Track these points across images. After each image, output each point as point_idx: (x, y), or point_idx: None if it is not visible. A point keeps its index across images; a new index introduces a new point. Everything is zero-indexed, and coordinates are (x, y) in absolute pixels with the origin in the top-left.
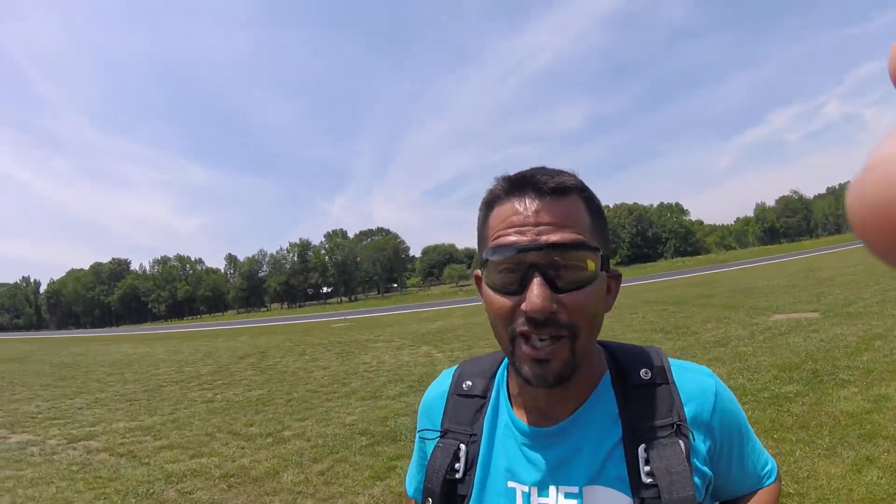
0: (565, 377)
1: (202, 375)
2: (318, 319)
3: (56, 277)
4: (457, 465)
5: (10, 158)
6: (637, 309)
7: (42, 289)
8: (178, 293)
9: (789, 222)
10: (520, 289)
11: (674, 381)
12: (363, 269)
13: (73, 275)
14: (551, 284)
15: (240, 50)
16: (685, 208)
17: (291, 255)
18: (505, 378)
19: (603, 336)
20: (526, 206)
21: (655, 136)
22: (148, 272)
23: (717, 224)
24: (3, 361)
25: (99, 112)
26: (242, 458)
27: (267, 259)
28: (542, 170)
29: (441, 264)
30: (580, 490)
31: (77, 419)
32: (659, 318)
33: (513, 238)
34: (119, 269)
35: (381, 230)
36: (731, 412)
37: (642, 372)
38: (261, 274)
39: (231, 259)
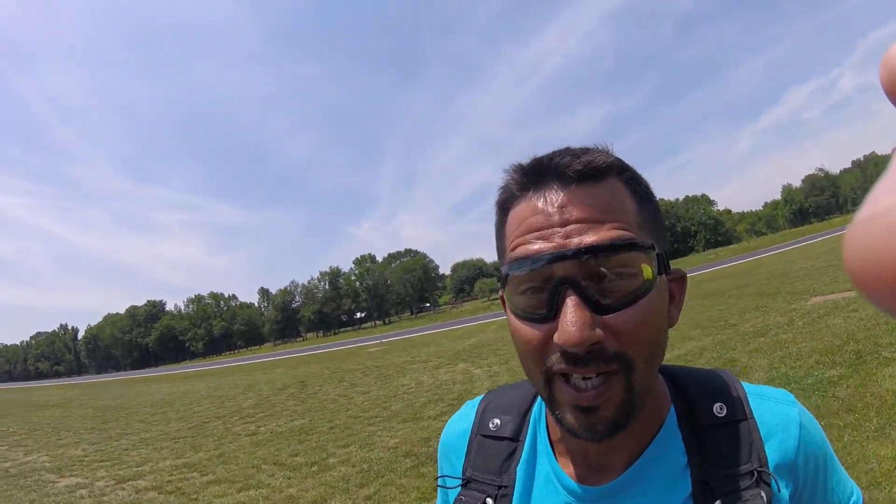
0: (621, 425)
1: (244, 409)
2: (353, 345)
3: (93, 323)
4: None
5: (40, 211)
6: None
7: (80, 335)
8: (214, 330)
9: (818, 201)
10: (550, 313)
11: (753, 416)
12: (394, 291)
13: (110, 319)
14: (592, 304)
15: (259, 86)
16: (712, 199)
17: (323, 283)
18: (543, 416)
19: None
20: (548, 202)
21: (674, 130)
22: (183, 311)
23: (746, 211)
24: (46, 408)
25: (125, 160)
26: (290, 487)
27: (299, 290)
28: (567, 150)
29: (471, 279)
30: None
31: (123, 460)
32: (695, 314)
33: (535, 246)
34: (154, 310)
35: (409, 251)
36: (817, 445)
37: (716, 408)
38: (294, 305)
39: (264, 292)
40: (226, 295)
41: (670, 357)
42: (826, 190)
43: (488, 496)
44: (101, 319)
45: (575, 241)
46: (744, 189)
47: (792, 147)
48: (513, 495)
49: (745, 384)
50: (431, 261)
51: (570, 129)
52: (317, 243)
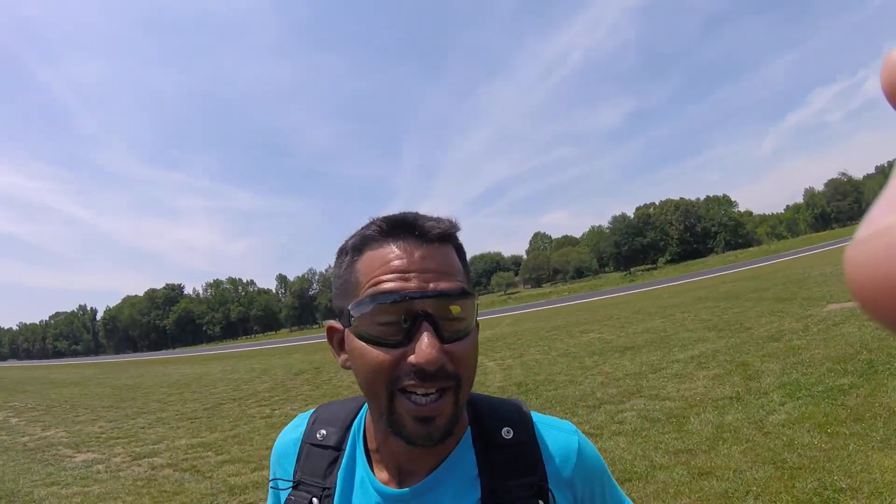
0: (450, 432)
1: (259, 392)
2: None
3: (112, 304)
4: None
5: (62, 195)
6: (689, 307)
7: (99, 316)
8: (231, 314)
9: (840, 206)
10: (405, 339)
11: (536, 440)
12: None
13: (129, 301)
14: (439, 335)
15: (280, 76)
16: (733, 200)
17: None
18: (362, 430)
19: (657, 331)
20: (409, 252)
21: (697, 129)
22: (201, 296)
23: (767, 213)
24: (64, 385)
25: (147, 147)
26: None
27: (317, 277)
28: (422, 216)
29: (488, 273)
30: None
31: (140, 437)
32: (711, 316)
33: (396, 284)
34: (173, 293)
35: None
36: (594, 468)
37: (504, 430)
38: (311, 292)
39: (282, 279)
40: (244, 280)
41: (684, 357)
42: (849, 195)
43: (314, 496)
44: (119, 301)
45: (432, 285)
46: (765, 190)
47: (815, 150)
48: (334, 496)
49: (534, 413)
50: None
51: (592, 125)
52: (335, 232)
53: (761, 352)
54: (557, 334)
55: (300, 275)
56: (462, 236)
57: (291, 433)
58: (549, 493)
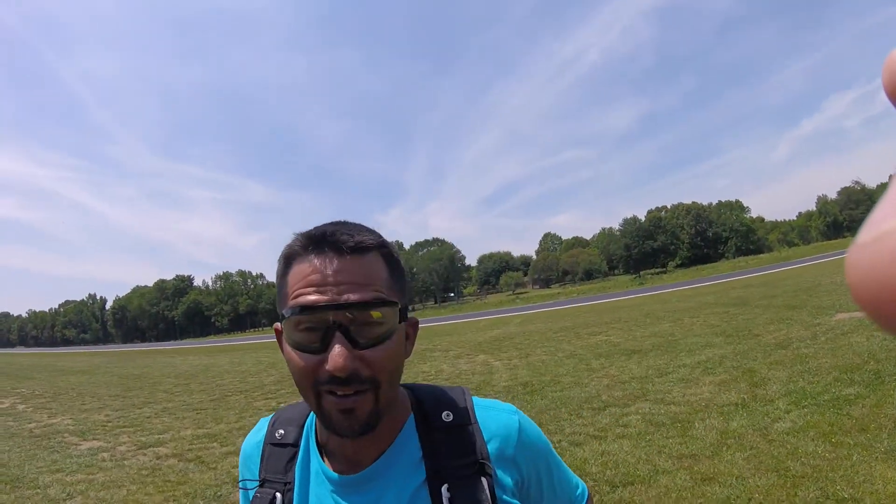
0: (371, 426)
1: (266, 385)
2: None
3: (121, 294)
4: None
5: (75, 185)
6: (697, 312)
7: (108, 305)
8: (240, 307)
9: (853, 214)
10: (322, 347)
11: (476, 421)
12: (419, 279)
13: (138, 291)
14: (352, 342)
15: (293, 72)
16: (745, 205)
17: None
18: (314, 425)
19: (665, 335)
20: (325, 265)
21: (711, 133)
22: (210, 287)
23: (778, 220)
24: (72, 373)
25: (160, 138)
26: None
27: None
28: (343, 226)
29: (497, 272)
30: None
31: (146, 427)
32: (720, 321)
33: (313, 297)
34: (182, 285)
35: (436, 240)
36: (536, 445)
37: (444, 414)
38: None
39: None
40: (253, 273)
41: (690, 362)
42: (862, 204)
43: (277, 491)
44: (129, 291)
45: (343, 297)
46: (778, 197)
47: (829, 157)
48: (294, 489)
49: (475, 398)
50: (458, 251)
51: (604, 127)
52: None
53: (768, 359)
54: (565, 335)
55: None
56: (470, 236)
57: (255, 436)
58: (492, 470)
